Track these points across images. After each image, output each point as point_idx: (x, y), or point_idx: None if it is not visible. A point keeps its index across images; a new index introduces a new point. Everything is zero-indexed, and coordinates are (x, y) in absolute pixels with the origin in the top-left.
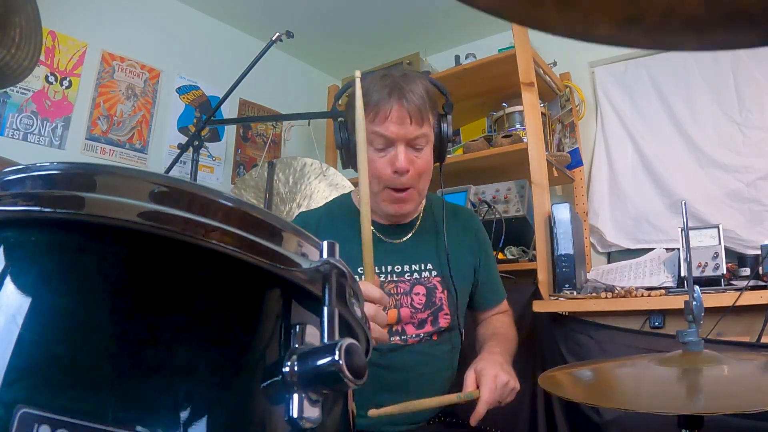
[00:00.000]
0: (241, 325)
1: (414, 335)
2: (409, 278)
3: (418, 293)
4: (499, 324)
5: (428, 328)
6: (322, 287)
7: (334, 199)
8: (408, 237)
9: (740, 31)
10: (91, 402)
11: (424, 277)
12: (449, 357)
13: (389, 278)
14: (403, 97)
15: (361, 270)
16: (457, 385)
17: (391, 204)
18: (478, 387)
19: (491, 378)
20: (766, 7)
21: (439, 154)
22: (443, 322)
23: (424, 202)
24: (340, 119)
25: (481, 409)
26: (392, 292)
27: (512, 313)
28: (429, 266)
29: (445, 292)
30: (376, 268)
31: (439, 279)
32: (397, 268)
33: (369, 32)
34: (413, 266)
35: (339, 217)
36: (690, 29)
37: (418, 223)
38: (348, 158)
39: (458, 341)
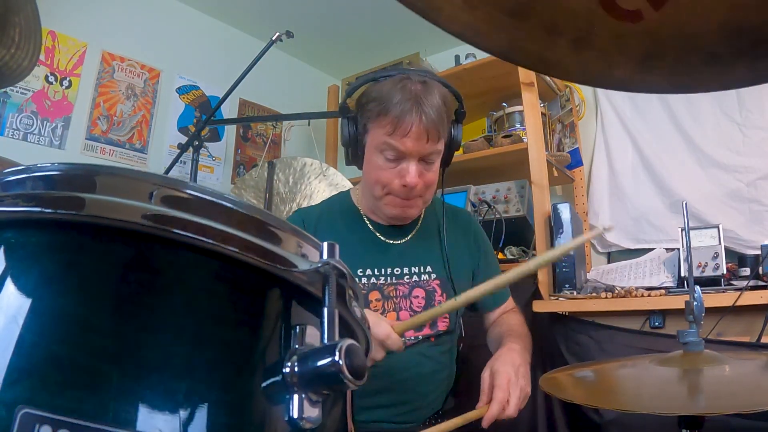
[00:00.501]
0: (242, 326)
1: (412, 338)
2: (408, 281)
3: (417, 296)
4: (513, 322)
5: (426, 331)
6: (322, 288)
7: (332, 196)
8: (408, 238)
9: (765, 63)
10: (91, 402)
11: (424, 279)
12: (447, 359)
13: (388, 281)
14: (423, 112)
15: (360, 272)
16: (456, 387)
17: (395, 207)
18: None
19: (505, 380)
20: None
21: (446, 159)
22: (441, 325)
23: None
24: (349, 115)
25: (493, 409)
26: (391, 295)
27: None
28: (428, 269)
29: (444, 295)
30: (375, 269)
31: (438, 282)
32: (397, 271)
33: (369, 32)
34: (413, 268)
35: (338, 215)
36: (711, 65)
37: (419, 224)
38: (353, 156)
39: (455, 343)
